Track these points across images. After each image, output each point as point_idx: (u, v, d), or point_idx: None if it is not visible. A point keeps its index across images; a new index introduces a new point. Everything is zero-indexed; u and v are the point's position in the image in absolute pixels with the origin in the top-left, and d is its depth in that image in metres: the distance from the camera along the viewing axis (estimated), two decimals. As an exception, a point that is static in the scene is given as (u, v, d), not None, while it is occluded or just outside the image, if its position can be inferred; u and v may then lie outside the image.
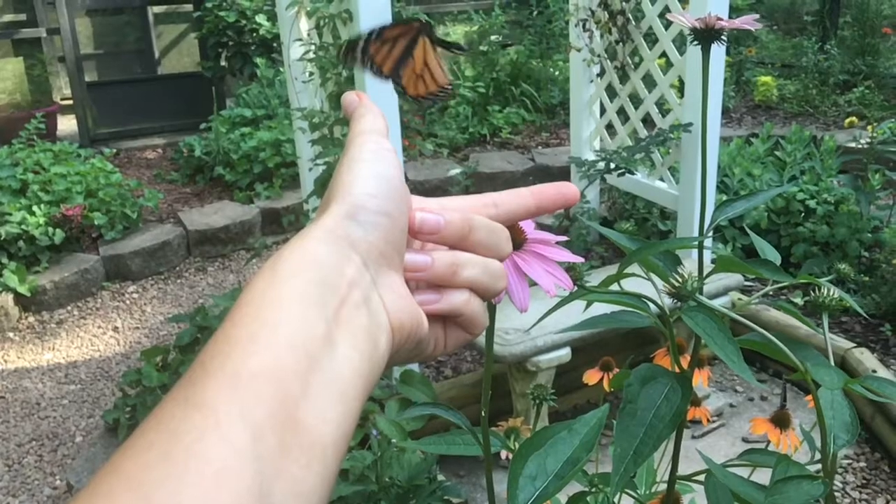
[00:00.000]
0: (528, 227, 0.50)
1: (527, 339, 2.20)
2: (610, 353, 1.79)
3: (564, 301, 0.75)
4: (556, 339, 2.24)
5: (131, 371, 2.44)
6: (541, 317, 0.81)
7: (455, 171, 4.07)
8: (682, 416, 0.83)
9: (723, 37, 0.73)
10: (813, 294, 0.71)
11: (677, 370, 0.87)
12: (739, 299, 2.62)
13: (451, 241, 0.41)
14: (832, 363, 0.63)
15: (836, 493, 2.21)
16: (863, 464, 2.31)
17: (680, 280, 0.62)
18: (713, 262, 1.94)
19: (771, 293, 2.90)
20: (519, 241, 0.49)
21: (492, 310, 0.57)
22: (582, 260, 0.54)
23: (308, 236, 0.35)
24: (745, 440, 2.39)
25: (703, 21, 0.72)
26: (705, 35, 0.73)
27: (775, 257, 0.78)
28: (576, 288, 0.72)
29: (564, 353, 2.26)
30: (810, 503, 0.53)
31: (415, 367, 2.44)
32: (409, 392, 2.28)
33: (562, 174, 4.35)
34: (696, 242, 0.75)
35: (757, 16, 0.76)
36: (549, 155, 4.77)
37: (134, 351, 3.12)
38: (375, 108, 0.44)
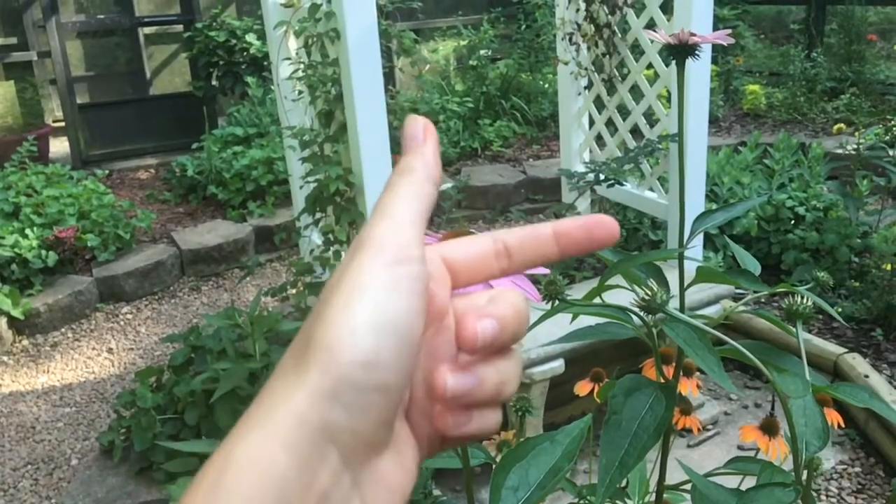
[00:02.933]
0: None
1: (520, 351, 2.21)
2: (603, 363, 1.80)
3: (547, 315, 0.76)
4: (549, 351, 2.25)
5: (125, 392, 2.43)
6: (528, 328, 0.82)
7: (446, 185, 4.09)
8: (667, 426, 0.83)
9: (697, 51, 0.75)
10: (788, 302, 0.72)
11: (662, 380, 0.88)
12: (731, 307, 2.63)
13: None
14: (807, 370, 0.64)
15: (833, 500, 2.22)
16: (858, 469, 2.31)
17: (650, 293, 0.63)
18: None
19: (763, 300, 2.91)
20: None
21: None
22: (548, 272, 0.56)
23: (270, 428, 0.27)
24: (740, 448, 2.39)
25: (676, 37, 0.74)
26: (679, 50, 0.74)
27: (755, 267, 0.80)
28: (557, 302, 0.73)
29: (558, 365, 2.26)
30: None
31: (409, 382, 2.44)
32: (404, 407, 2.28)
33: (553, 186, 4.37)
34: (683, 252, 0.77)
35: (729, 31, 0.78)
36: (540, 167, 4.79)
37: (129, 372, 3.11)
38: (433, 156, 0.33)
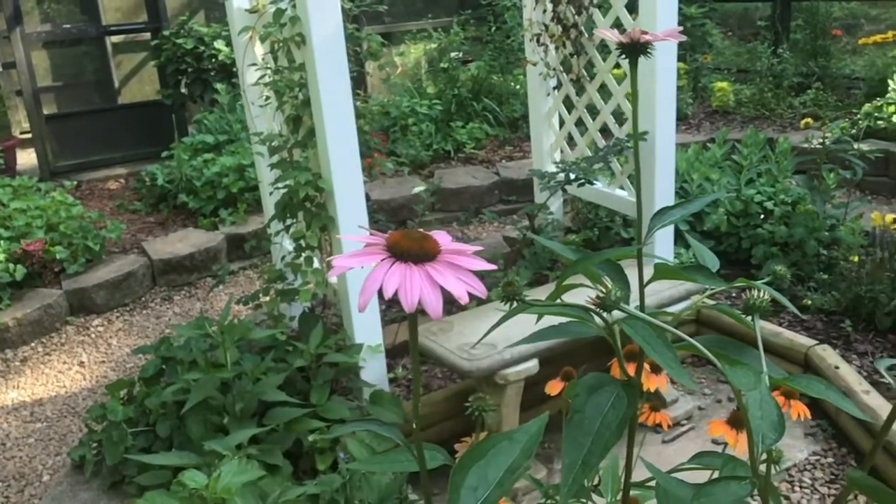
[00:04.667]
0: (443, 238, 0.51)
1: (494, 352, 2.21)
2: (578, 362, 1.80)
3: (506, 316, 0.76)
4: (523, 351, 2.25)
5: (96, 406, 2.40)
6: (487, 330, 0.82)
7: (419, 188, 4.08)
8: (632, 423, 0.84)
9: (649, 49, 0.75)
10: (745, 296, 0.72)
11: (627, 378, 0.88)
12: (703, 303, 2.65)
13: None
14: (764, 362, 0.65)
15: (806, 490, 2.24)
16: (830, 459, 2.34)
17: (604, 291, 0.63)
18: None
19: (734, 295, 2.94)
20: (433, 252, 0.50)
21: (413, 320, 0.58)
22: (495, 267, 0.56)
23: None
24: (714, 442, 2.41)
25: (628, 36, 0.74)
26: (631, 49, 0.74)
27: (713, 263, 0.80)
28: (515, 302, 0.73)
29: (532, 365, 2.27)
30: (739, 503, 0.54)
31: (385, 386, 2.43)
32: (380, 412, 2.27)
33: (527, 187, 4.38)
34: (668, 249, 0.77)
35: (680, 28, 0.78)
36: (513, 168, 4.80)
37: (100, 385, 3.07)
38: None
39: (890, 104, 4.46)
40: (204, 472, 1.60)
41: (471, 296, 0.52)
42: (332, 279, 2.54)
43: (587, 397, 0.79)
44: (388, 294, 0.51)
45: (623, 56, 0.77)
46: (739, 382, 0.60)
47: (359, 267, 0.51)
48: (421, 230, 0.55)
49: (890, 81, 4.66)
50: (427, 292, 0.50)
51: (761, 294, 0.75)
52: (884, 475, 2.15)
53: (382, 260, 0.53)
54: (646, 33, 0.73)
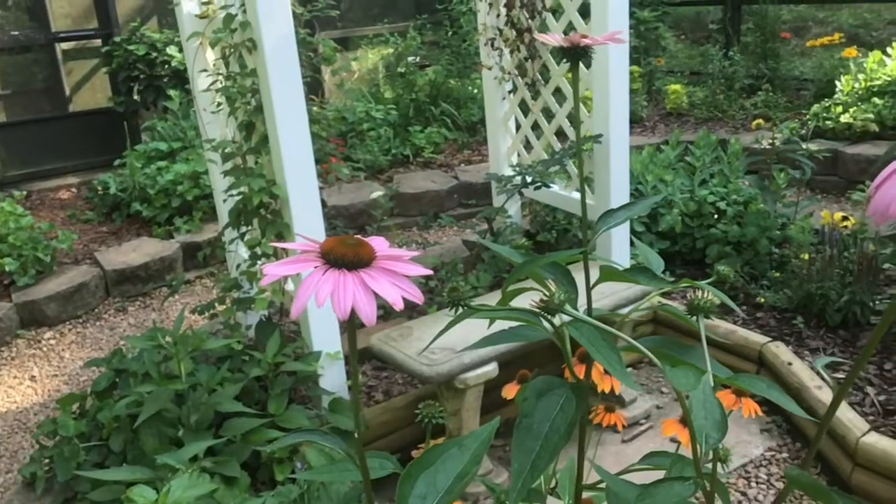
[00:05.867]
0: (380, 244, 0.51)
1: (453, 357, 2.21)
2: (537, 365, 1.80)
3: (454, 322, 0.76)
4: (482, 354, 2.25)
5: (47, 421, 2.34)
6: (434, 337, 0.81)
7: (377, 193, 4.06)
8: (582, 425, 0.84)
9: (590, 52, 0.75)
10: (690, 296, 0.73)
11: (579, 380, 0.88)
12: (660, 303, 2.68)
13: None
14: (708, 362, 0.65)
15: (762, 486, 2.28)
16: (785, 455, 2.38)
17: (548, 294, 0.63)
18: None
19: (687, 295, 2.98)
20: (368, 258, 0.50)
21: (351, 327, 0.57)
22: (431, 272, 0.56)
23: None
24: (673, 440, 2.43)
25: (569, 40, 0.74)
26: (571, 52, 0.74)
27: (658, 264, 0.80)
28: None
29: (491, 369, 2.27)
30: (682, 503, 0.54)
31: (344, 394, 2.41)
32: (339, 420, 2.25)
33: (486, 190, 4.39)
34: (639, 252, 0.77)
35: (622, 31, 0.79)
36: (472, 172, 4.81)
37: (53, 400, 3.00)
38: None
39: (837, 105, 4.57)
40: (159, 486, 1.57)
41: (432, 301, 0.51)
42: (289, 287, 2.51)
43: (536, 401, 0.78)
44: (320, 302, 0.50)
45: (563, 60, 0.77)
46: (679, 383, 0.60)
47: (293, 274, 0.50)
48: (357, 236, 0.54)
49: (837, 83, 4.78)
50: (360, 299, 0.49)
51: (706, 294, 0.76)
52: (836, 468, 2.19)
53: (316, 267, 0.52)
54: (586, 37, 0.73)
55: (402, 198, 4.49)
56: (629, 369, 2.89)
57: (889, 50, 4.67)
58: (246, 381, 2.21)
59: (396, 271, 0.51)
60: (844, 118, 4.44)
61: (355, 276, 0.50)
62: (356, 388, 0.65)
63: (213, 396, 2.09)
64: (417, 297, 0.51)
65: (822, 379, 2.35)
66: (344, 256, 0.52)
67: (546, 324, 0.80)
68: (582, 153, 2.74)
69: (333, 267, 0.52)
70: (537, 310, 0.68)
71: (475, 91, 5.53)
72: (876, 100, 4.46)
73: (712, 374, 0.70)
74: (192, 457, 1.88)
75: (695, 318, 0.75)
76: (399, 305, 0.50)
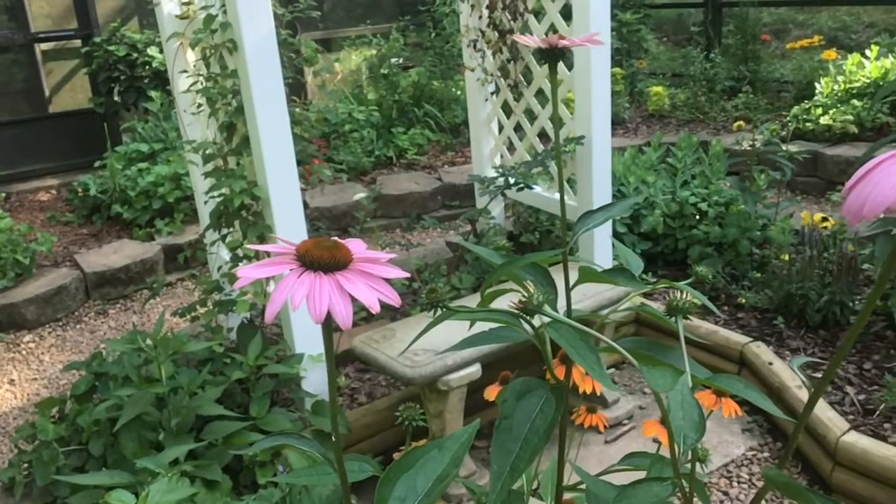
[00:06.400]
0: (357, 247, 0.51)
1: (436, 359, 2.20)
2: (521, 365, 1.81)
3: (433, 323, 0.76)
4: (466, 356, 2.25)
5: (26, 425, 2.31)
6: (413, 339, 0.81)
7: (360, 195, 4.05)
8: (562, 426, 0.84)
9: (567, 54, 0.76)
10: (669, 297, 0.73)
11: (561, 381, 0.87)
12: (641, 304, 2.69)
13: None
14: (686, 362, 0.65)
15: (744, 485, 2.29)
16: (766, 454, 2.40)
17: (526, 295, 0.63)
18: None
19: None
20: (345, 261, 0.49)
21: (327, 329, 0.57)
22: (408, 275, 0.56)
23: None
24: (655, 441, 2.44)
25: (546, 41, 0.74)
26: (549, 53, 0.75)
27: (637, 265, 0.81)
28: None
29: (475, 370, 2.27)
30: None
31: (327, 396, 2.40)
32: (321, 422, 2.24)
33: (469, 192, 4.39)
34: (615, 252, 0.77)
35: (600, 32, 0.79)
36: (455, 173, 4.81)
37: (32, 404, 2.96)
38: None
39: (817, 106, 4.62)
40: (139, 490, 1.55)
41: (416, 302, 0.51)
42: (271, 289, 2.50)
43: (515, 402, 0.78)
44: (295, 305, 0.49)
45: (542, 61, 0.77)
46: (656, 383, 0.60)
47: (267, 277, 0.50)
48: (334, 238, 0.54)
49: (817, 85, 4.82)
50: (336, 302, 0.49)
51: (684, 295, 0.76)
52: (817, 467, 2.21)
53: (292, 270, 0.52)
54: (563, 38, 0.73)
55: (386, 199, 4.48)
56: (612, 370, 2.90)
57: (868, 52, 4.72)
58: (227, 384, 2.19)
59: (373, 274, 0.51)
60: (824, 120, 4.48)
61: (331, 279, 0.50)
62: (333, 391, 0.65)
63: (194, 400, 2.08)
64: (394, 299, 0.50)
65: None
66: (320, 259, 0.52)
67: (526, 325, 0.80)
68: (564, 155, 2.75)
69: (309, 269, 0.52)
70: (515, 311, 0.68)
71: (458, 93, 5.53)
72: (855, 102, 4.51)
73: (691, 375, 0.70)
74: (172, 460, 1.86)
75: (673, 318, 0.76)
76: (375, 308, 0.49)
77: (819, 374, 2.49)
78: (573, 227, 0.81)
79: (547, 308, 0.67)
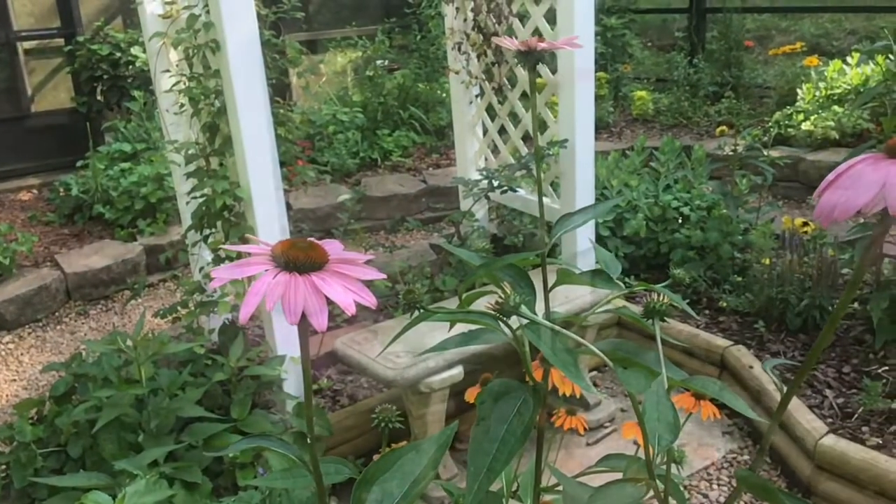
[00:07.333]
0: (334, 248, 0.51)
1: (419, 361, 2.20)
2: (504, 367, 1.81)
3: (409, 325, 0.76)
4: (448, 358, 2.25)
5: (3, 427, 2.29)
6: (390, 340, 0.81)
7: (344, 196, 4.05)
8: (540, 428, 0.84)
9: (544, 56, 0.76)
10: (646, 300, 0.73)
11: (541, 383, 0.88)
12: (623, 306, 2.70)
13: None
14: (663, 364, 0.66)
15: (724, 487, 2.30)
16: (746, 457, 2.41)
17: (503, 297, 0.63)
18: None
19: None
20: (321, 262, 0.49)
21: (303, 331, 0.57)
22: (385, 276, 0.56)
23: None
24: (635, 443, 2.45)
25: (525, 44, 0.75)
26: (528, 56, 0.75)
27: (615, 268, 0.81)
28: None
29: (457, 372, 2.27)
30: (631, 506, 0.54)
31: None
32: (303, 424, 2.23)
33: (454, 194, 4.39)
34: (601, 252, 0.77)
35: (579, 36, 0.79)
36: (440, 176, 4.81)
37: (10, 405, 2.93)
38: None
39: (799, 112, 4.66)
40: (117, 492, 1.54)
41: (396, 304, 0.51)
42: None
43: (493, 404, 0.78)
44: (269, 306, 0.49)
45: (518, 64, 0.77)
46: (631, 385, 0.60)
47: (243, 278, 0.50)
48: (310, 239, 0.53)
49: (799, 91, 4.87)
50: (311, 303, 0.49)
51: (661, 298, 0.76)
52: (795, 470, 2.23)
53: (267, 270, 0.51)
54: (542, 41, 0.74)
55: (370, 201, 4.47)
56: (594, 373, 2.91)
57: (849, 59, 4.77)
58: (208, 386, 2.18)
59: (349, 275, 0.51)
60: (806, 126, 4.53)
61: (307, 280, 0.50)
62: (308, 392, 0.64)
63: (174, 401, 2.07)
64: (370, 301, 0.50)
65: (784, 381, 2.39)
66: (295, 259, 0.52)
67: (505, 327, 0.80)
68: (548, 157, 2.75)
69: (285, 270, 0.52)
70: (492, 312, 0.68)
71: (444, 95, 5.54)
72: (836, 108, 4.56)
73: (667, 377, 0.71)
74: (152, 462, 1.85)
75: (650, 321, 0.76)
76: (351, 310, 0.49)
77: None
78: (554, 229, 0.82)
79: (524, 309, 0.67)
